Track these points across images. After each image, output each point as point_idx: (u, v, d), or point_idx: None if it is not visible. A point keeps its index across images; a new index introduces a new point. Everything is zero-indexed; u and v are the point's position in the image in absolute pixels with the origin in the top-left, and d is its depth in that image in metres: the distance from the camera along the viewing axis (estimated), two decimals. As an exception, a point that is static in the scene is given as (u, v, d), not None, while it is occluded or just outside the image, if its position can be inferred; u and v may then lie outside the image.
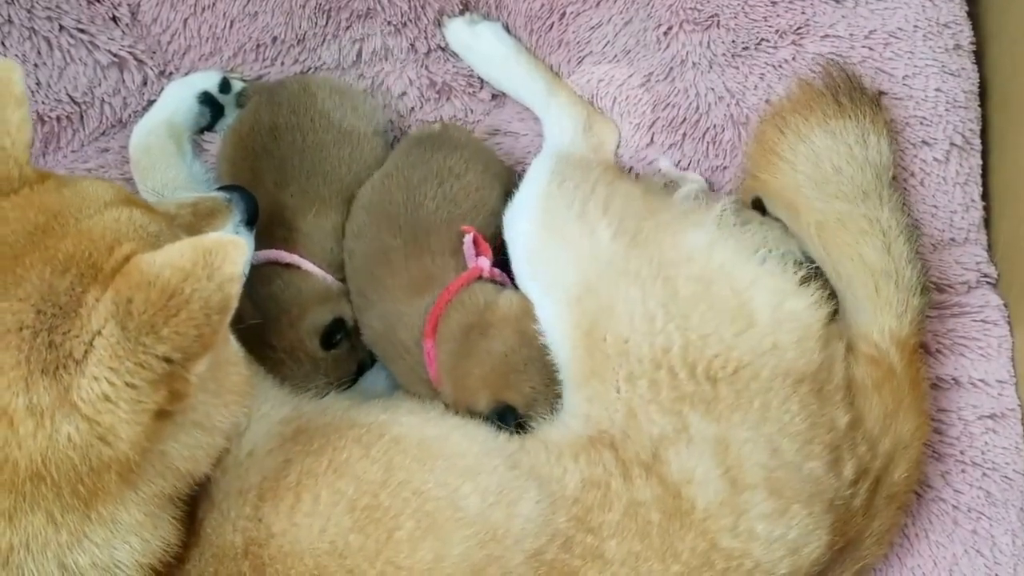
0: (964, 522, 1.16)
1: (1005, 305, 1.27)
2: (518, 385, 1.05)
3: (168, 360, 0.72)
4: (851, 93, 1.19)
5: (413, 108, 1.32)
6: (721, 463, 0.95)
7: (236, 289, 0.73)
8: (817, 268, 1.14)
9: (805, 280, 1.05)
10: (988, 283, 1.28)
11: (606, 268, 1.04)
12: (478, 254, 1.09)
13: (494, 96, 1.34)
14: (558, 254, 1.05)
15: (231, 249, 0.72)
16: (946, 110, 1.25)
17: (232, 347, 0.88)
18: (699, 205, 1.12)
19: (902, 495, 1.07)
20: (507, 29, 1.33)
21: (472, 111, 1.34)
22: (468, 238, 1.08)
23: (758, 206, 1.20)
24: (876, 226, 1.13)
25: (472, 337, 1.06)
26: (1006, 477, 1.19)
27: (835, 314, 1.09)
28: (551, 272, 1.05)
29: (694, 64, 1.26)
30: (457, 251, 1.09)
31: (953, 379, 1.22)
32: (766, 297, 1.03)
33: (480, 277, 1.09)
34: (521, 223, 1.08)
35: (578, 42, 1.30)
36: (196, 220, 0.97)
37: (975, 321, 1.25)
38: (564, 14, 1.30)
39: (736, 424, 0.97)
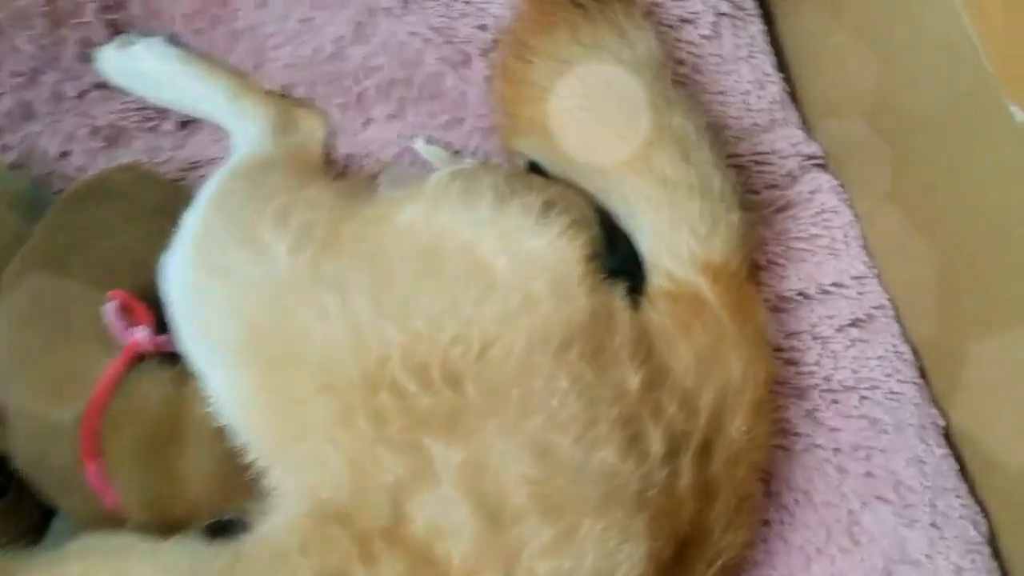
0: (853, 467, 0.90)
1: (841, 185, 1.03)
2: (238, 489, 0.79)
3: None
4: (589, -11, 0.94)
5: (82, 166, 1.07)
6: (474, 495, 0.70)
7: None
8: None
9: (547, 209, 0.80)
10: (815, 165, 1.04)
11: (285, 291, 0.79)
12: (132, 324, 0.83)
13: (183, 124, 1.09)
14: (217, 297, 0.80)
15: None
16: (698, -24, 1.01)
17: None
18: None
19: (750, 454, 0.81)
20: (173, 41, 1.08)
21: (160, 148, 1.09)
22: (110, 307, 0.81)
23: (536, 170, 0.96)
24: (667, 134, 0.88)
25: (165, 454, 0.80)
26: (892, 392, 0.94)
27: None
28: (212, 322, 0.79)
29: (385, 10, 1.02)
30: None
31: (799, 293, 0.97)
32: (499, 243, 0.79)
33: (141, 357, 0.82)
34: (173, 270, 0.83)
35: (252, 28, 1.06)
36: None
37: (809, 215, 1.01)
38: (225, 1, 1.05)
39: (491, 433, 0.72)
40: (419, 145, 1.02)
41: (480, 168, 0.89)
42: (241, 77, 1.07)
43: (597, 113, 0.87)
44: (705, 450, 0.78)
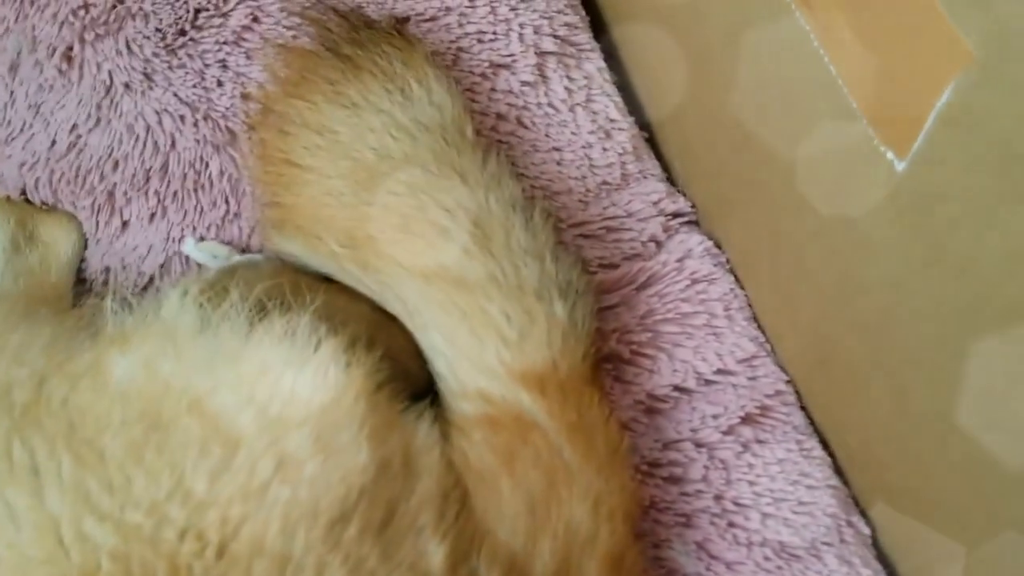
0: (760, 610, 0.69)
1: (717, 245, 0.83)
2: None
3: None
4: (355, 36, 0.74)
5: None
6: None
7: None
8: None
9: (314, 326, 0.60)
10: (685, 222, 0.84)
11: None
12: None
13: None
14: None
15: None
16: (511, 11, 0.82)
17: None
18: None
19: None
20: None
21: None
22: None
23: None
24: (460, 216, 0.68)
25: None
26: (801, 504, 0.73)
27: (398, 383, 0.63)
28: None
29: (126, 86, 0.81)
30: None
31: (675, 388, 0.77)
32: (243, 390, 0.58)
33: None
34: None
35: (-26, 125, 0.84)
36: None
37: (679, 288, 0.80)
38: (-64, 92, 0.83)
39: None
40: (188, 247, 0.81)
41: (240, 272, 0.68)
42: (-30, 185, 0.85)
43: (370, 198, 0.66)
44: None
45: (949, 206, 0.54)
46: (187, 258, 0.82)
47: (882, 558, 0.77)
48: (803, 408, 0.79)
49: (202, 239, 0.82)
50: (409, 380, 0.69)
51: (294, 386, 0.59)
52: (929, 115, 0.52)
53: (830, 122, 0.62)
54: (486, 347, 0.63)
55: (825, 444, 0.78)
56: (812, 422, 0.79)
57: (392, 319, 0.69)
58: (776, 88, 0.67)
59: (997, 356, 0.53)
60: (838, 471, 0.78)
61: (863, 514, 0.77)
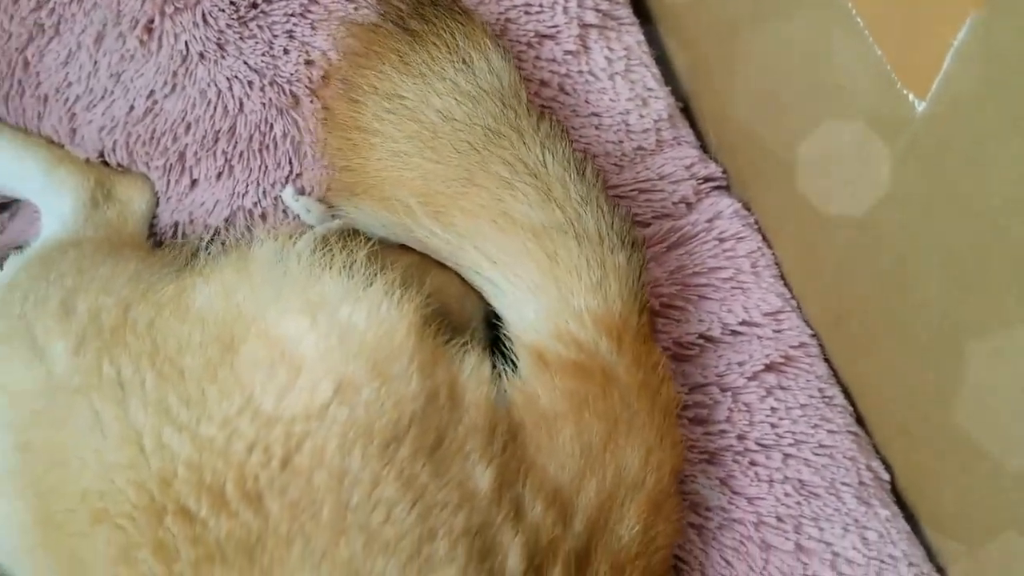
0: (779, 542, 0.75)
1: (746, 207, 0.88)
2: None
3: None
4: (420, 10, 0.80)
5: None
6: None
7: None
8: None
9: (367, 265, 0.66)
10: (715, 186, 0.89)
11: (60, 400, 0.65)
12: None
13: (2, 206, 0.95)
14: None
15: None
16: (554, -17, 0.87)
17: None
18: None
19: (647, 558, 0.66)
20: (-21, 112, 0.94)
21: (-21, 235, 0.94)
22: None
23: None
24: (521, 169, 0.73)
25: None
26: (822, 446, 0.79)
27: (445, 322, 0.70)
28: None
29: (200, 55, 0.87)
30: None
31: (700, 336, 0.82)
32: (305, 318, 0.64)
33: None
34: None
35: (59, 90, 0.92)
36: None
37: (708, 246, 0.85)
38: (27, 62, 0.92)
39: (296, 565, 0.57)
40: (287, 195, 0.87)
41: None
42: (56, 148, 0.93)
43: (435, 156, 0.72)
44: (581, 561, 0.63)
45: (963, 146, 0.57)
46: (250, 211, 0.88)
47: (901, 504, 0.81)
48: (825, 360, 0.84)
49: (301, 191, 0.88)
50: (451, 319, 0.74)
51: (351, 318, 0.65)
52: (947, 54, 0.55)
53: (854, 76, 0.65)
54: (577, 294, 0.69)
55: (848, 396, 0.83)
56: (836, 375, 0.84)
57: (436, 263, 0.75)
58: (801, 47, 0.71)
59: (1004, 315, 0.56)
60: (860, 423, 0.82)
61: (884, 461, 0.81)
